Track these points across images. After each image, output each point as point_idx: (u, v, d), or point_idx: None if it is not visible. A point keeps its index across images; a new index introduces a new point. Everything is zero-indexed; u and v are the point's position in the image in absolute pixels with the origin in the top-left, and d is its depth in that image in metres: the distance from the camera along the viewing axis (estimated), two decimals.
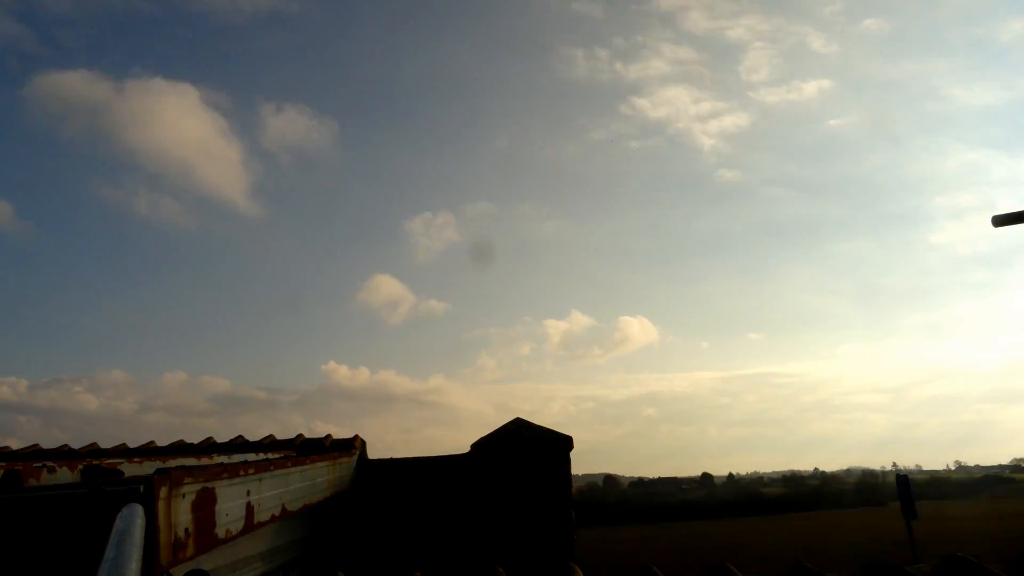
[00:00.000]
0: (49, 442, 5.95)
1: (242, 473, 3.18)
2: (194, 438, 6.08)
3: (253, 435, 6.20)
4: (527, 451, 5.37)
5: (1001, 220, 5.71)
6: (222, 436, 6.20)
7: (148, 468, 3.84)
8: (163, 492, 2.44)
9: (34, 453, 5.67)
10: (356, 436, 5.94)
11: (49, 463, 3.38)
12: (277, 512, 3.70)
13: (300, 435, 6.18)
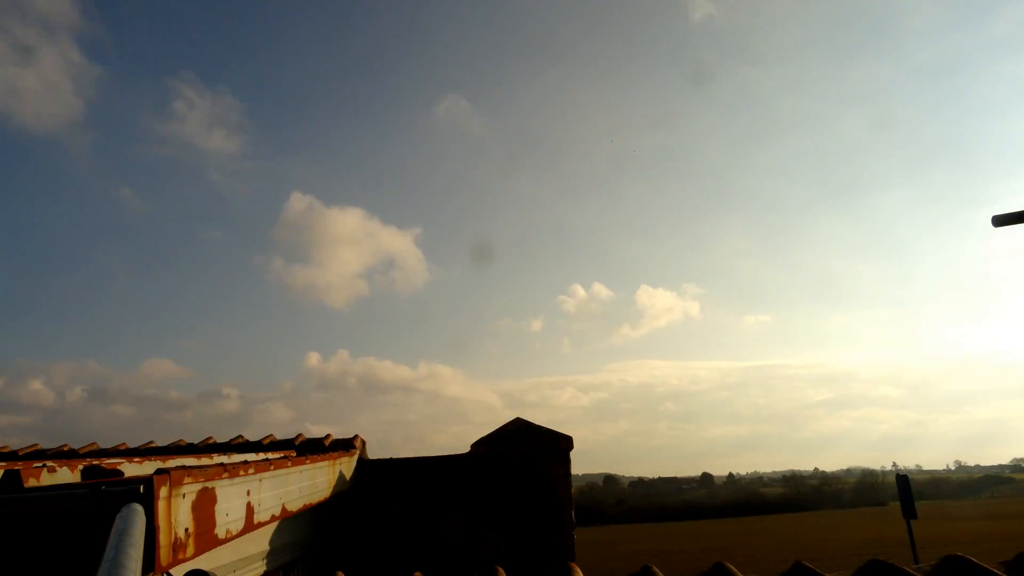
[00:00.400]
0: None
1: (242, 473, 3.18)
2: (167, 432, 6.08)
3: (239, 434, 6.21)
4: (527, 451, 5.37)
5: (1001, 220, 5.71)
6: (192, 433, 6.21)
7: (148, 468, 3.83)
8: (163, 492, 2.44)
9: (34, 453, 5.67)
10: (356, 436, 5.94)
11: (49, 463, 3.38)
12: (277, 512, 3.70)
13: (300, 435, 6.18)
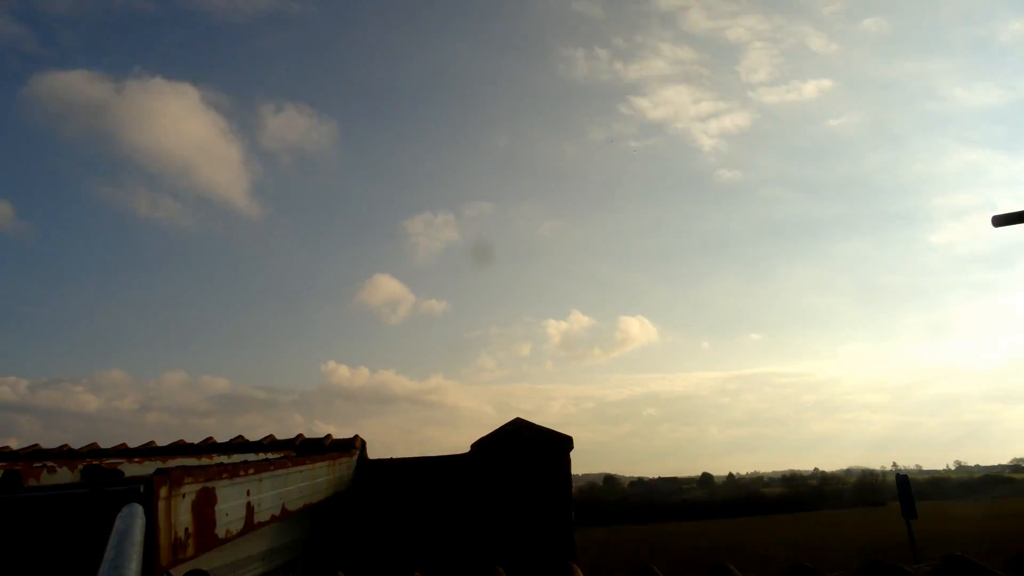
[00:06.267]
0: (48, 442, 5.94)
1: (242, 473, 3.18)
2: (194, 438, 6.08)
3: (252, 435, 6.21)
4: (527, 451, 5.37)
5: (1001, 220, 5.72)
6: (222, 436, 6.21)
7: (148, 468, 3.84)
8: (163, 492, 2.44)
9: (34, 453, 5.67)
10: (356, 436, 5.94)
11: (49, 463, 3.38)
12: (277, 512, 3.70)
13: (300, 435, 6.18)
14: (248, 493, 3.27)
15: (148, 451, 5.60)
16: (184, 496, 2.60)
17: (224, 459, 4.57)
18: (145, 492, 2.37)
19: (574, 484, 5.50)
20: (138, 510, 2.18)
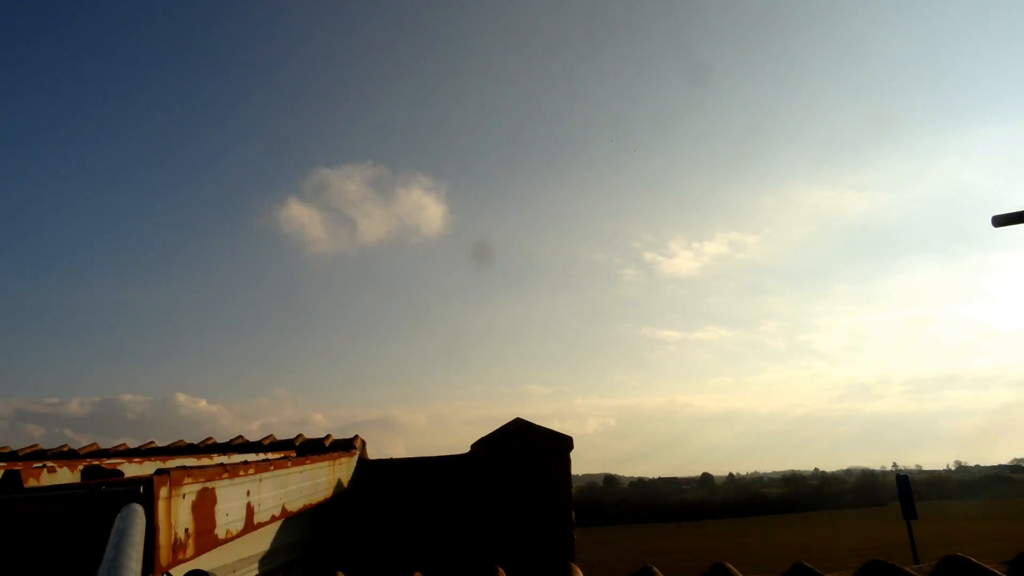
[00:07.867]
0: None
1: (242, 473, 3.17)
2: None
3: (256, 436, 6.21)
4: (527, 451, 5.37)
5: (1001, 220, 5.69)
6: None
7: (148, 468, 3.83)
8: (163, 492, 2.44)
9: (34, 453, 5.67)
10: (356, 436, 5.94)
11: (49, 463, 3.38)
12: (277, 512, 3.70)
13: (300, 435, 6.18)
14: (248, 493, 3.27)
15: (148, 451, 5.60)
16: (184, 496, 2.60)
17: (224, 459, 4.56)
18: (145, 492, 2.37)
19: (574, 484, 5.49)
20: (138, 510, 2.18)
